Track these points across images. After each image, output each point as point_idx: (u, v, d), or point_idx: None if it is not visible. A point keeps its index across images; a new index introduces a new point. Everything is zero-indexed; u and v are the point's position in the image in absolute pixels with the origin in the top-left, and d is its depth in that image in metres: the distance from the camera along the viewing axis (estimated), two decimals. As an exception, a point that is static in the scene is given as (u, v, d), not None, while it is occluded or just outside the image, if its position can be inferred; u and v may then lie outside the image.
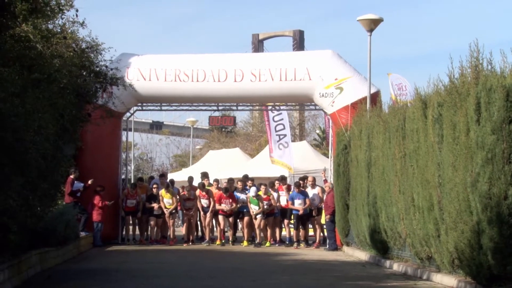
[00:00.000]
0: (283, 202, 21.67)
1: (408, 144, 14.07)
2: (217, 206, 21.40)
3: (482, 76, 11.03)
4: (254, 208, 21.30)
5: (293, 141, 27.88)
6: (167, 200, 21.58)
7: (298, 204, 20.96)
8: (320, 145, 45.66)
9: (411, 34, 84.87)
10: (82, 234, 19.68)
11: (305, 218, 21.26)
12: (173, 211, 21.85)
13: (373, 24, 19.43)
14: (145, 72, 21.86)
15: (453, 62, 11.81)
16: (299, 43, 71.55)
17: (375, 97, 20.06)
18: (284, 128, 26.65)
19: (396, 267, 15.00)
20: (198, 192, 21.83)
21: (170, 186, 22.03)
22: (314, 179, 21.82)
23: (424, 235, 13.27)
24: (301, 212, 21.00)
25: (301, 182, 21.56)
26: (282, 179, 22.55)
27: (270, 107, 25.76)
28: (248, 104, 24.56)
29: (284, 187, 21.84)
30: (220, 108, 24.48)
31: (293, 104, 25.51)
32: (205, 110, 24.56)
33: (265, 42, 75.41)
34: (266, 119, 27.25)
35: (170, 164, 62.79)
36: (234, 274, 14.23)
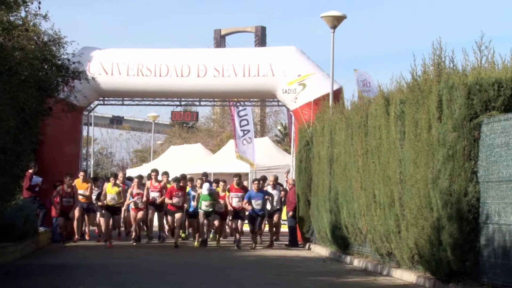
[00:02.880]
0: (234, 202, 19.79)
1: (370, 141, 14.18)
2: (167, 200, 19.75)
3: (444, 74, 11.17)
4: (204, 205, 19.48)
5: (254, 137, 27.97)
6: (111, 196, 19.69)
7: (256, 205, 19.24)
8: (282, 141, 45.82)
9: (375, 31, 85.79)
10: (41, 229, 19.44)
11: (261, 219, 19.50)
12: (119, 205, 19.98)
13: (336, 21, 19.54)
14: (107, 66, 21.69)
15: (416, 59, 11.94)
16: (261, 39, 71.57)
17: (338, 94, 20.19)
18: (248, 124, 26.68)
19: (357, 263, 15.12)
20: (148, 183, 20.41)
21: (116, 180, 20.04)
22: (276, 179, 20.48)
23: (385, 231, 13.40)
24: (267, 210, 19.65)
25: (261, 181, 20.01)
26: (236, 176, 20.37)
27: (233, 103, 25.76)
28: (211, 99, 24.52)
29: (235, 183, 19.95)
30: (183, 103, 24.43)
31: (256, 99, 25.54)
32: (168, 105, 24.46)
33: (227, 37, 75.30)
34: (232, 114, 27.24)
35: (130, 159, 62.38)
36: (196, 269, 14.20)
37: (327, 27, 19.60)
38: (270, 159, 29.06)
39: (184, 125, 54.17)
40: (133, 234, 20.56)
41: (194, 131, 54.10)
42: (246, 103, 25.80)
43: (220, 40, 74.19)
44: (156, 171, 20.63)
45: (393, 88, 13.11)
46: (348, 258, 15.82)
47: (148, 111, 47.37)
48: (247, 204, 19.38)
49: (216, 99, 24.90)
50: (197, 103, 24.85)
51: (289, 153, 28.39)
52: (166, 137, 57.25)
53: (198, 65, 21.54)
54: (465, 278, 10.70)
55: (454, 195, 10.64)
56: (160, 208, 20.50)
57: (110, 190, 19.73)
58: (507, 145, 9.91)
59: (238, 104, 25.98)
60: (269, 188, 20.17)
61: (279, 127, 49.57)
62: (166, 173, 21.01)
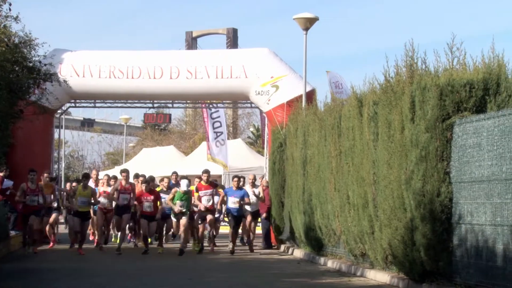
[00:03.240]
0: (204, 201, 18.27)
1: (343, 142, 14.24)
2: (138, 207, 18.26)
3: (417, 75, 11.25)
4: (178, 206, 17.72)
5: (227, 139, 28.01)
6: (82, 199, 17.93)
7: (232, 203, 18.32)
8: (255, 143, 45.85)
9: (347, 33, 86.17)
10: (12, 233, 19.22)
11: (239, 219, 18.60)
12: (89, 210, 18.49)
13: (308, 23, 19.61)
14: (79, 69, 21.56)
15: (388, 61, 12.03)
16: (232, 41, 71.61)
17: (311, 95, 20.26)
18: (221, 126, 26.69)
19: (331, 264, 15.17)
20: (118, 184, 18.64)
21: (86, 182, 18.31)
22: (254, 177, 19.72)
23: (359, 232, 13.46)
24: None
25: (241, 178, 19.13)
26: (205, 172, 18.53)
27: (206, 105, 25.74)
28: (184, 101, 24.47)
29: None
30: (156, 105, 24.35)
31: (228, 101, 25.55)
32: (140, 107, 24.37)
33: (199, 39, 75.18)
34: (205, 116, 27.23)
35: (102, 162, 62.04)
36: (170, 272, 14.15)
37: (300, 29, 19.66)
38: (243, 161, 29.08)
39: (156, 127, 54.01)
40: (99, 237, 19.13)
41: (166, 134, 53.94)
42: (218, 105, 25.79)
43: (191, 42, 74.03)
44: (126, 171, 19.05)
45: (366, 89, 13.19)
46: (322, 260, 15.87)
47: (119, 114, 47.19)
48: (223, 199, 18.53)
49: (189, 101, 24.85)
50: (170, 105, 24.77)
51: (262, 154, 28.44)
52: (138, 140, 57.02)
53: (170, 67, 21.50)
54: (439, 278, 10.79)
55: (427, 195, 10.72)
56: (128, 211, 18.71)
57: (81, 193, 17.92)
58: (479, 145, 10.01)
59: (210, 106, 25.96)
60: (247, 187, 19.21)
61: (251, 129, 49.62)
62: (138, 176, 19.56)
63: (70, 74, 21.18)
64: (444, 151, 10.65)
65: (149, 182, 18.40)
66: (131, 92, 21.97)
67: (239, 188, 18.60)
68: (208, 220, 18.35)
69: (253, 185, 19.46)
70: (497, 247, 9.65)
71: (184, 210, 17.75)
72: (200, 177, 18.68)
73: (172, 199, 17.71)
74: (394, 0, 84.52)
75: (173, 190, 17.85)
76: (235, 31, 72.06)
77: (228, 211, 18.67)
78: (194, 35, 72.96)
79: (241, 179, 19.08)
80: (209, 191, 18.30)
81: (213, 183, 18.89)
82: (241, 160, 28.97)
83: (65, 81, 18.27)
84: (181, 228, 17.78)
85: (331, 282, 12.66)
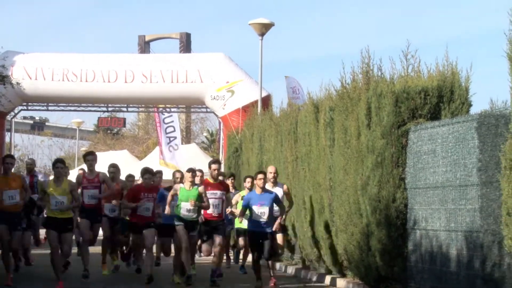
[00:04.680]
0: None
1: (300, 148, 14.29)
2: (128, 204, 12.82)
3: (373, 82, 11.37)
4: (184, 209, 12.24)
5: (181, 143, 27.92)
6: (56, 199, 11.74)
7: (260, 214, 11.98)
8: (209, 148, 45.75)
9: (304, 39, 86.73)
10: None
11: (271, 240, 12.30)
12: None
13: (264, 28, 19.66)
14: (31, 71, 21.28)
15: (345, 67, 12.13)
16: (186, 45, 71.31)
17: (266, 101, 20.32)
18: (174, 131, 26.56)
19: (287, 269, 15.19)
20: (79, 176, 13.50)
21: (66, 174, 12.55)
22: (276, 171, 13.15)
23: (315, 237, 13.51)
24: (277, 225, 12.47)
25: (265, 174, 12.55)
26: (214, 163, 13.37)
27: (161, 109, 25.62)
28: (139, 105, 24.33)
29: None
30: (110, 109, 24.15)
31: (183, 106, 25.49)
32: (94, 111, 24.17)
33: (152, 43, 74.72)
34: (157, 121, 27.10)
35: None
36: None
37: (256, 34, 19.69)
38: (197, 165, 28.86)
39: (109, 131, 53.49)
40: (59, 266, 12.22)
41: (119, 138, 53.44)
42: (172, 109, 25.67)
43: (144, 46, 73.60)
44: (92, 155, 13.46)
45: (323, 95, 13.28)
46: (277, 265, 15.87)
47: (71, 117, 46.62)
48: (238, 213, 12.65)
49: (144, 105, 24.72)
50: (124, 109, 24.59)
51: (217, 159, 28.32)
52: (91, 144, 56.37)
53: (125, 70, 21.38)
54: (393, 283, 10.89)
55: (382, 201, 10.82)
56: (98, 217, 13.26)
57: (54, 190, 11.78)
58: (434, 152, 10.15)
59: (164, 111, 25.84)
60: (267, 187, 12.55)
61: (205, 134, 49.52)
62: (114, 166, 14.39)
63: (22, 77, 20.88)
64: (400, 157, 10.76)
65: (153, 173, 13.20)
66: (84, 95, 21.76)
67: (266, 190, 12.20)
68: (217, 243, 12.63)
69: (275, 183, 12.99)
70: (451, 253, 9.79)
71: (194, 217, 12.32)
72: (215, 163, 13.10)
73: (172, 198, 12.42)
74: (350, 7, 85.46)
75: (175, 187, 12.43)
76: (188, 35, 71.83)
77: (253, 230, 12.16)
78: (147, 39, 72.48)
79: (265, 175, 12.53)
80: (219, 192, 12.73)
81: (226, 184, 13.50)
82: (195, 165, 28.62)
83: (18, 83, 18.02)
84: (204, 252, 13.15)
85: (287, 287, 12.66)
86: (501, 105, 9.28)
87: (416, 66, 11.35)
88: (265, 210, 11.98)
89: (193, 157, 29.68)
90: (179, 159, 26.67)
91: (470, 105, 10.84)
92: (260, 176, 12.16)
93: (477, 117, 9.22)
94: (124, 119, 26.15)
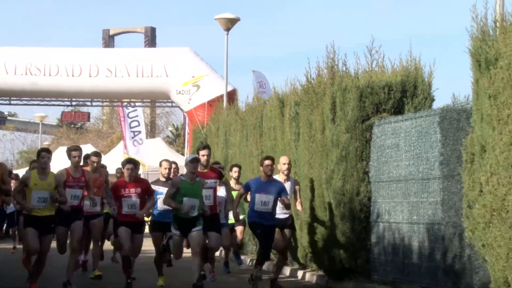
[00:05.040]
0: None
1: (265, 142, 14.38)
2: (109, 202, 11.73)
3: (338, 77, 11.49)
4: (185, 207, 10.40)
5: (146, 138, 27.88)
6: (40, 195, 10.13)
7: (262, 205, 10.73)
8: (174, 142, 45.67)
9: (270, 34, 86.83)
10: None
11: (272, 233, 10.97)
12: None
13: (230, 23, 19.72)
14: (-6, 65, 21.05)
15: (310, 62, 12.23)
16: (151, 40, 70.91)
17: (232, 95, 20.39)
18: (139, 125, 26.48)
19: (251, 262, 15.26)
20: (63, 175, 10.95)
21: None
22: (290, 163, 11.58)
23: (280, 231, 13.60)
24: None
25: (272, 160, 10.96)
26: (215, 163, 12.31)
27: (125, 103, 25.54)
28: (104, 100, 24.22)
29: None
30: (74, 103, 24.00)
31: (148, 100, 25.43)
32: (58, 105, 24.00)
33: (116, 38, 74.14)
34: (121, 116, 27.00)
35: (15, 160, 60.46)
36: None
37: (221, 29, 19.73)
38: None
39: (72, 126, 53.05)
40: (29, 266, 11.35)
41: (83, 132, 53.05)
42: (138, 104, 25.60)
43: (108, 40, 73.00)
44: (78, 150, 11.22)
45: (288, 90, 13.37)
46: (242, 258, 15.93)
47: (33, 111, 46.12)
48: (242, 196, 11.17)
49: (108, 100, 24.61)
50: (88, 103, 24.46)
51: (182, 154, 28.37)
52: (54, 138, 55.85)
53: (90, 65, 21.29)
54: (357, 275, 11.03)
55: (347, 194, 10.96)
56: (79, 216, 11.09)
57: (38, 184, 10.13)
58: (397, 146, 10.31)
59: (129, 105, 25.75)
60: (277, 178, 11.23)
61: (170, 128, 49.41)
62: (97, 154, 12.85)
63: (-16, 70, 20.67)
64: (364, 151, 10.91)
65: (136, 163, 11.65)
66: (48, 89, 21.63)
67: (273, 178, 10.91)
68: (210, 240, 11.32)
69: (288, 177, 11.57)
70: (413, 245, 9.97)
71: (195, 215, 10.52)
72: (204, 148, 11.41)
73: (174, 196, 10.47)
74: (316, 3, 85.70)
75: (173, 180, 10.82)
76: (153, 30, 71.41)
77: (254, 221, 10.84)
78: (111, 33, 71.89)
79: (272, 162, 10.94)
80: (212, 181, 11.26)
81: (218, 170, 11.61)
82: (160, 159, 28.69)
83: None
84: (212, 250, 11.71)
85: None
86: (463, 100, 9.47)
87: (380, 62, 11.54)
88: (270, 199, 10.53)
89: (158, 152, 29.61)
90: (143, 154, 26.60)
91: (433, 100, 11.03)
92: (268, 162, 10.72)
93: (440, 112, 9.39)
94: (89, 113, 26.03)
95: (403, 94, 10.96)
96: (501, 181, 7.98)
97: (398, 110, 10.89)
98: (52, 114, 70.42)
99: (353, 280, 11.01)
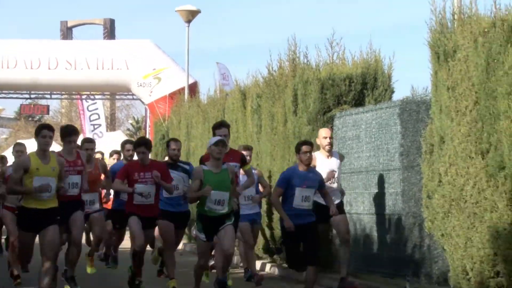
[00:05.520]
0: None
1: (227, 134, 14.38)
2: (123, 188, 9.16)
3: (299, 69, 11.57)
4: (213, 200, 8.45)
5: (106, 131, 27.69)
6: (41, 181, 8.02)
7: (304, 201, 8.68)
8: (134, 135, 45.39)
9: (232, 27, 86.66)
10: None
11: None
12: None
13: (191, 15, 19.66)
14: (-50, 57, 20.72)
15: (272, 55, 12.30)
16: (110, 32, 70.22)
17: (193, 88, 20.37)
18: (98, 118, 26.31)
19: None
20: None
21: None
22: (332, 136, 9.90)
23: (242, 223, 13.63)
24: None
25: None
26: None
27: (85, 96, 25.33)
28: (63, 92, 23.99)
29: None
30: (33, 96, 23.72)
31: (108, 93, 25.26)
32: (16, 98, 23.70)
33: (75, 29, 73.23)
34: (81, 109, 26.78)
35: (-28, 154, 59.46)
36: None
37: (182, 21, 19.67)
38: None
39: (30, 119, 52.37)
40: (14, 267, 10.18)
41: (41, 125, 52.32)
42: (96, 96, 25.41)
43: (67, 32, 72.07)
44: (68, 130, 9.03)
45: (250, 82, 13.41)
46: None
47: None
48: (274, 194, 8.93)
49: (68, 92, 24.38)
50: (48, 96, 24.19)
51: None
52: (11, 131, 55.09)
53: (49, 57, 21.07)
54: (319, 266, 11.10)
55: (309, 186, 11.01)
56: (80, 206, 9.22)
57: (41, 169, 8.04)
58: (358, 138, 10.43)
59: (89, 98, 25.55)
60: (320, 157, 9.55)
61: (131, 121, 49.12)
62: (90, 141, 10.73)
63: None
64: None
65: (148, 144, 9.40)
66: (6, 82, 21.36)
67: (312, 168, 8.96)
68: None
69: (331, 153, 9.71)
70: (374, 235, 10.11)
71: (225, 211, 8.48)
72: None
73: (200, 188, 8.43)
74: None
75: (195, 171, 8.72)
76: (112, 21, 70.71)
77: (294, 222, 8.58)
78: (69, 25, 70.99)
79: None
80: (235, 164, 9.11)
81: (240, 153, 9.60)
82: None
83: None
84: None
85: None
86: (422, 92, 9.62)
87: (341, 54, 11.66)
88: (311, 194, 8.63)
89: (119, 145, 29.45)
90: (104, 147, 26.42)
91: (393, 92, 11.19)
92: (307, 148, 8.70)
93: (400, 104, 9.53)
94: (48, 106, 25.72)
95: (363, 86, 11.09)
96: (459, 171, 8.14)
97: (359, 102, 11.02)
98: (9, 107, 69.38)
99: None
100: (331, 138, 9.62)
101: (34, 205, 8.01)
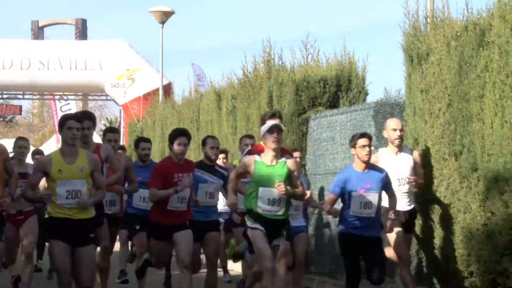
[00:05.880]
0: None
1: (202, 135, 14.32)
2: (165, 194, 7.74)
3: (274, 71, 11.65)
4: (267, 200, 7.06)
5: (79, 131, 27.51)
6: (68, 186, 6.65)
7: (363, 207, 7.24)
8: (107, 136, 45.19)
9: (206, 28, 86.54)
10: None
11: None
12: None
13: (165, 16, 19.62)
14: None
15: (247, 56, 12.35)
16: (82, 32, 69.71)
17: (168, 89, 20.35)
18: (72, 119, 26.12)
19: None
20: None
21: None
22: (403, 128, 8.20)
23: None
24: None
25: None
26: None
27: (58, 97, 25.16)
28: (36, 93, 23.84)
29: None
30: (5, 96, 23.54)
31: (81, 94, 25.13)
32: (-12, 98, 23.47)
33: (46, 29, 72.60)
34: (53, 109, 26.59)
35: None
36: None
37: (156, 22, 19.63)
38: (96, 154, 28.64)
39: (1, 119, 51.89)
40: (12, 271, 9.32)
41: (13, 125, 51.92)
42: (70, 97, 25.26)
43: (38, 32, 71.46)
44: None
45: (225, 83, 13.45)
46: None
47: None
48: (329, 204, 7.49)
49: (41, 93, 24.22)
50: (20, 96, 24.00)
51: (117, 147, 28.08)
52: (-18, 132, 54.53)
53: (21, 57, 20.96)
54: (294, 267, 11.16)
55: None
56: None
57: (64, 171, 6.66)
58: (333, 139, 10.51)
59: (62, 99, 25.39)
60: (389, 157, 7.97)
61: (103, 122, 48.84)
62: (114, 130, 9.62)
63: None
64: (300, 145, 11.06)
65: (189, 136, 8.26)
66: (-23, 82, 21.13)
67: (372, 165, 7.38)
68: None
69: (400, 147, 8.19)
70: (349, 236, 10.15)
71: (282, 215, 7.19)
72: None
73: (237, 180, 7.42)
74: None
75: (246, 159, 7.33)
76: (84, 21, 70.22)
77: (349, 232, 7.37)
78: (40, 24, 70.37)
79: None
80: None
81: (288, 151, 8.08)
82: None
83: None
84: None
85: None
86: (395, 94, 9.73)
87: (315, 56, 11.75)
88: (373, 198, 7.14)
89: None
90: (77, 148, 26.31)
91: (367, 94, 11.30)
92: (365, 141, 7.17)
93: (374, 106, 9.62)
94: (20, 106, 25.51)
95: (338, 88, 11.18)
96: (433, 173, 8.25)
97: (333, 104, 11.11)
98: (-20, 107, 68.55)
99: (291, 273, 11.10)
100: (401, 130, 7.88)
101: (63, 214, 6.62)
